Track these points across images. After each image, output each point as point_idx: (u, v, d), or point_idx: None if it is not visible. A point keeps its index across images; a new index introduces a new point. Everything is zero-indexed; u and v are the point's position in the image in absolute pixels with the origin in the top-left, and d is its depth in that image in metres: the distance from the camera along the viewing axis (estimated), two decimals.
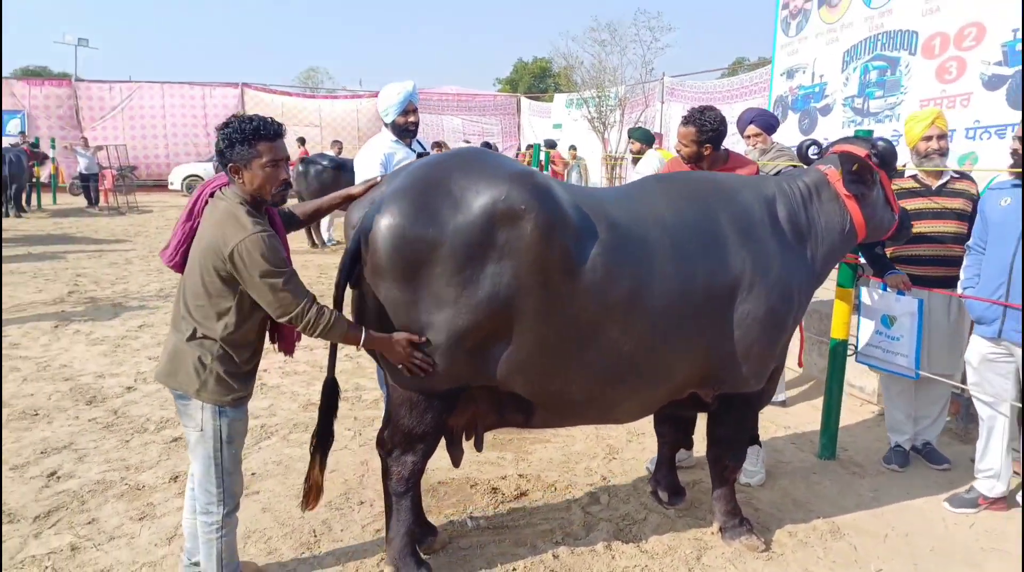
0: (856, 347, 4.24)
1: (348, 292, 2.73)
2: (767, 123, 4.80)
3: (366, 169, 3.94)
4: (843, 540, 3.35)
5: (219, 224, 2.37)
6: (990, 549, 3.29)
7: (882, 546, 3.31)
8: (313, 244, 11.92)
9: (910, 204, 3.83)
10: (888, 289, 3.98)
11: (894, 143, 3.25)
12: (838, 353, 4.19)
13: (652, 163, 6.60)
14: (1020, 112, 4.21)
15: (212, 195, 2.51)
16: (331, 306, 2.54)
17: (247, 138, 2.38)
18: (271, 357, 5.69)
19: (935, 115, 3.88)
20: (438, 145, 14.45)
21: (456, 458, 3.03)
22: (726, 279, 2.84)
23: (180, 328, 2.48)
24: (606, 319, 2.65)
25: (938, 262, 3.91)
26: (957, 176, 3.91)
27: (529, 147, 13.03)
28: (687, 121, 3.70)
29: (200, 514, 2.57)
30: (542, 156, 11.88)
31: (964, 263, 3.70)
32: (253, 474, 3.82)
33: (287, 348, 2.74)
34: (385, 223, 2.48)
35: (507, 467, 4.00)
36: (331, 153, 13.41)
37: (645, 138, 6.91)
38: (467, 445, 3.10)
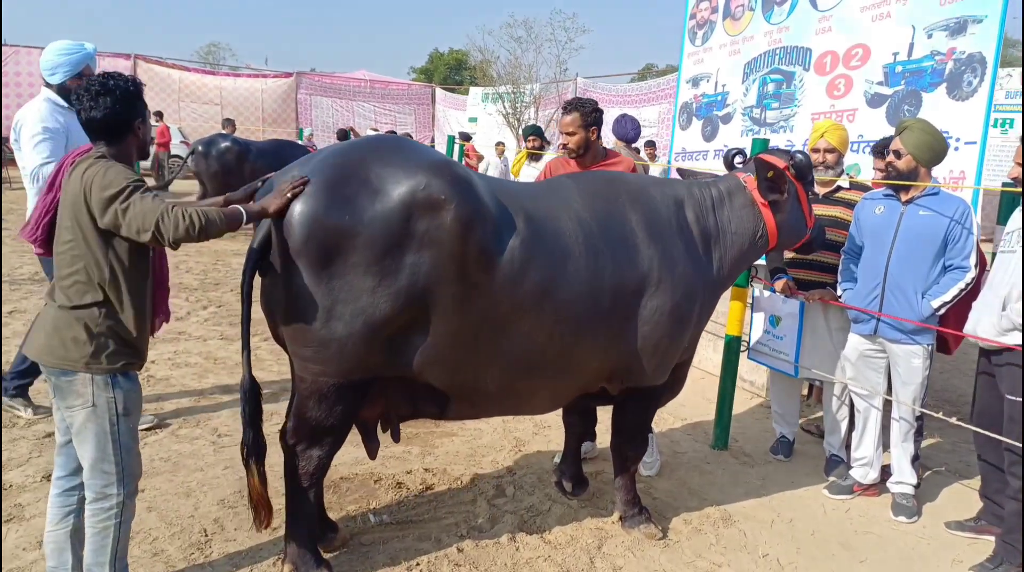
0: (748, 344, 4.47)
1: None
2: (622, 132, 5.74)
3: (33, 142, 3.71)
4: (734, 527, 3.53)
5: (75, 179, 2.26)
6: (864, 532, 3.55)
7: (768, 531, 3.51)
8: None
9: None
10: (776, 291, 4.21)
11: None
12: (732, 349, 4.40)
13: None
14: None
15: (73, 164, 2.37)
16: (240, 294, 2.44)
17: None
18: (159, 347, 5.42)
19: (824, 129, 4.12)
20: (345, 132, 14.10)
21: (372, 450, 2.98)
22: (635, 276, 2.92)
23: (57, 299, 2.31)
24: (520, 311, 2.67)
25: (808, 266, 4.14)
26: (847, 187, 4.17)
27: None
28: (569, 109, 3.74)
29: (93, 502, 2.37)
30: (456, 148, 11.82)
31: (840, 267, 3.95)
32: None
33: (165, 317, 2.62)
34: (299, 210, 2.40)
35: (413, 461, 3.97)
36: (223, 132, 12.84)
37: (538, 131, 8.23)
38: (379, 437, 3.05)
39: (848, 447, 4.09)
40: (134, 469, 2.43)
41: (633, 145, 7.81)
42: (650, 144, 11.54)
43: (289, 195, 2.41)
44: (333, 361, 2.51)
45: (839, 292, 3.93)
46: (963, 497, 3.95)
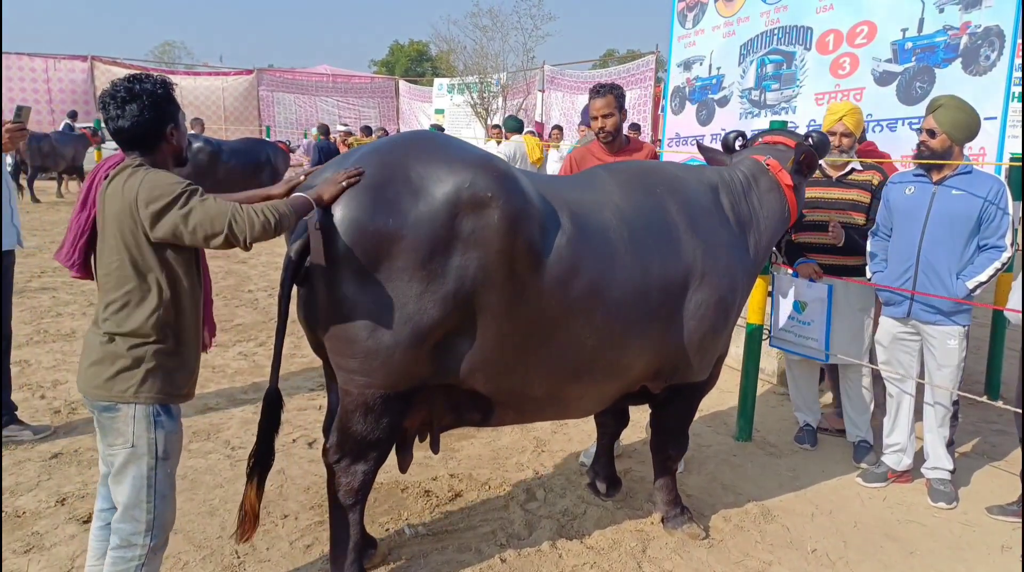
0: (770, 332, 4.38)
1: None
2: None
3: None
4: (775, 522, 3.44)
5: (115, 194, 2.07)
6: (906, 521, 3.49)
7: (811, 525, 3.43)
8: None
9: (809, 193, 3.96)
10: (799, 277, 4.13)
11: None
12: (754, 337, 4.32)
13: (510, 147, 7.94)
14: (910, 107, 4.50)
15: (107, 177, 2.15)
16: (278, 305, 2.26)
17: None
18: None
19: (843, 112, 4.04)
20: (326, 127, 13.70)
21: (405, 463, 2.81)
22: (680, 270, 2.80)
23: (103, 327, 2.11)
24: (570, 313, 2.53)
25: (827, 250, 4.08)
26: (861, 168, 4.09)
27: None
28: (602, 92, 3.71)
29: (117, 548, 2.17)
30: None
31: (868, 249, 3.89)
32: None
33: (211, 332, 2.47)
34: (340, 215, 2.23)
35: (436, 467, 3.80)
36: (192, 132, 12.43)
37: (513, 127, 8.46)
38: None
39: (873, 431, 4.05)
40: (166, 519, 2.23)
41: None
42: (635, 127, 11.45)
43: (344, 184, 2.26)
44: (380, 372, 2.35)
45: (868, 275, 3.86)
46: (997, 479, 3.93)
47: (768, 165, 3.26)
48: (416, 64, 43.85)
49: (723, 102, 6.32)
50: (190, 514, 3.21)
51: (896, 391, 3.81)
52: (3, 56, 19.75)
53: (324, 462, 2.56)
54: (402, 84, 26.52)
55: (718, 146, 3.69)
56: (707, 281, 2.87)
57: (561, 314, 2.53)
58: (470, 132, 19.79)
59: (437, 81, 23.88)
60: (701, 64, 6.64)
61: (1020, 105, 4.79)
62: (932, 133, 3.47)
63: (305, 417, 4.35)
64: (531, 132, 12.41)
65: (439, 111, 22.98)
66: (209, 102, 22.01)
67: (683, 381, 3.02)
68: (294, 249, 2.31)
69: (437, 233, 2.26)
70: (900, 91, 4.60)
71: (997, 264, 3.39)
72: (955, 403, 3.67)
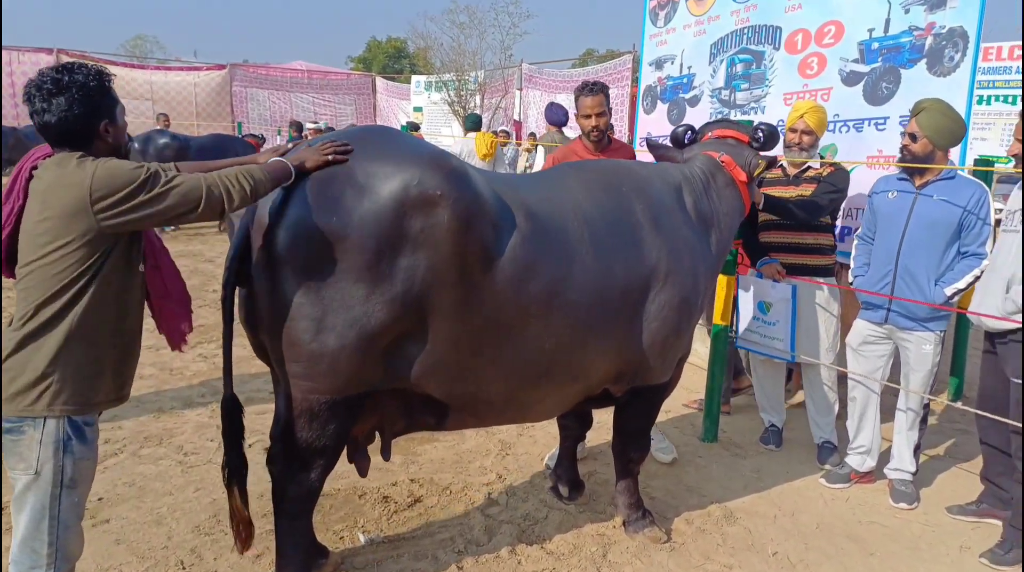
0: (735, 333, 4.36)
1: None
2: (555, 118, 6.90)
3: None
4: (737, 524, 3.41)
5: (57, 185, 1.94)
6: (868, 522, 3.48)
7: (773, 527, 3.41)
8: None
9: (768, 192, 3.91)
10: (763, 277, 4.11)
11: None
12: (720, 338, 4.29)
13: (459, 145, 8.33)
14: (877, 107, 4.49)
15: (35, 168, 2.03)
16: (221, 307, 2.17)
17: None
18: None
19: (806, 109, 4.02)
20: (299, 124, 13.53)
21: (363, 468, 2.73)
22: (643, 270, 2.75)
23: (15, 331, 1.97)
24: (525, 315, 2.46)
25: (785, 249, 4.05)
26: (818, 167, 4.07)
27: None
28: (595, 90, 3.67)
29: None
30: None
31: (853, 253, 3.87)
32: (100, 499, 3.26)
33: (171, 333, 2.31)
34: (281, 212, 2.15)
35: (396, 472, 3.72)
36: (158, 127, 12.19)
37: (471, 125, 8.94)
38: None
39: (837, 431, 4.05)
40: (71, 550, 2.06)
41: (563, 129, 8.44)
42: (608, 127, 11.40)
43: (331, 157, 2.19)
44: (325, 377, 2.26)
45: (850, 278, 3.85)
46: (958, 479, 3.94)
47: (723, 162, 3.23)
48: (394, 61, 43.53)
49: (694, 101, 6.28)
50: (135, 523, 3.10)
51: (863, 393, 3.80)
52: None
53: (268, 470, 2.47)
54: (379, 81, 26.25)
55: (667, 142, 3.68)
56: (670, 282, 2.82)
57: (517, 316, 2.46)
58: (448, 130, 19.67)
59: (415, 78, 23.68)
60: (672, 63, 6.60)
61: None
62: (914, 137, 3.44)
63: (263, 421, 4.21)
64: (505, 131, 12.33)
65: (418, 109, 22.78)
66: (180, 97, 21.60)
67: (645, 383, 2.97)
68: (234, 248, 2.22)
69: (383, 233, 2.18)
70: (867, 91, 4.59)
71: (976, 271, 3.36)
72: (925, 407, 3.66)
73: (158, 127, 12.27)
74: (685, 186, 3.08)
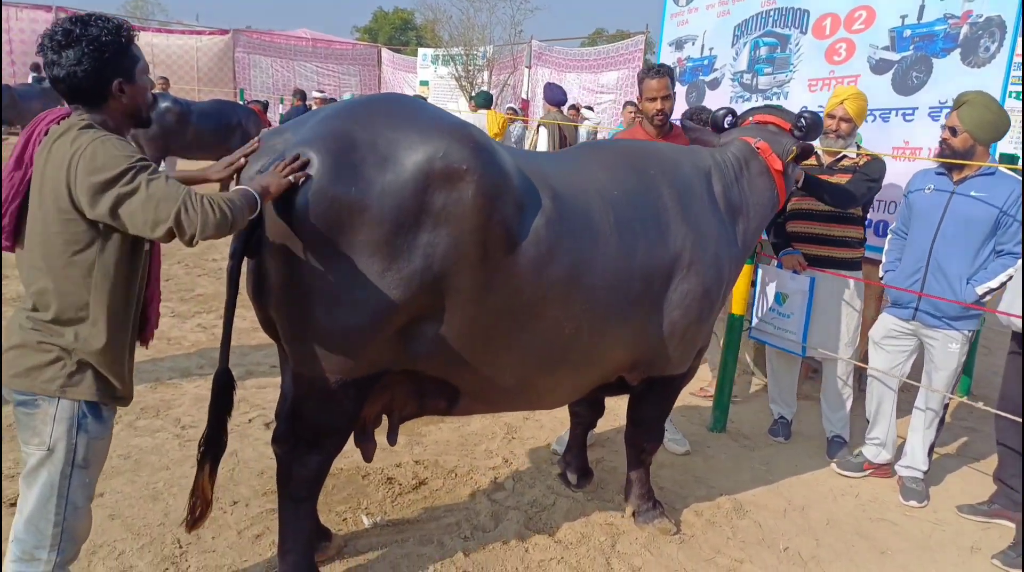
0: (750, 323, 4.27)
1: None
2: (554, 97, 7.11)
3: None
4: (747, 517, 3.35)
5: (62, 155, 1.79)
6: (878, 519, 3.42)
7: (783, 521, 3.34)
8: None
9: None
10: (783, 268, 4.01)
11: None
12: (735, 327, 4.19)
13: (469, 121, 8.25)
14: (905, 97, 4.36)
15: (47, 132, 1.88)
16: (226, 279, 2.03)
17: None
18: None
19: (847, 95, 3.86)
20: (302, 92, 13.29)
21: (368, 452, 2.64)
22: (666, 258, 2.65)
23: (27, 309, 1.86)
24: (546, 298, 2.36)
25: (811, 240, 3.95)
26: (854, 156, 3.95)
27: None
28: (661, 72, 3.50)
29: (17, 561, 1.90)
30: None
31: (886, 247, 3.77)
32: None
33: (154, 323, 2.16)
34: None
35: (400, 453, 3.64)
36: (159, 90, 11.92)
37: (482, 102, 9.09)
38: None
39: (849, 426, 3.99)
40: (77, 532, 1.98)
41: (562, 108, 8.67)
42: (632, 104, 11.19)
43: (291, 179, 2.00)
44: (336, 355, 2.16)
45: (880, 273, 3.75)
46: (969, 478, 3.89)
47: (758, 148, 3.10)
48: (400, 33, 42.95)
49: (714, 84, 6.13)
50: (131, 497, 3.01)
51: (880, 388, 3.73)
52: None
53: (274, 451, 2.38)
54: (385, 52, 25.89)
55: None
56: (694, 271, 2.72)
57: (537, 299, 2.36)
58: (455, 106, 19.42)
59: (421, 51, 23.34)
60: (693, 44, 6.43)
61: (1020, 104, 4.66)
62: (954, 131, 3.31)
63: (264, 396, 4.14)
64: (512, 109, 12.13)
65: (424, 83, 22.47)
66: (182, 62, 21.27)
67: (662, 373, 2.89)
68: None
69: (404, 206, 2.06)
70: (896, 80, 4.45)
71: (1011, 270, 3.25)
72: (944, 407, 3.59)
73: (158, 91, 12.02)
74: (715, 172, 2.96)
